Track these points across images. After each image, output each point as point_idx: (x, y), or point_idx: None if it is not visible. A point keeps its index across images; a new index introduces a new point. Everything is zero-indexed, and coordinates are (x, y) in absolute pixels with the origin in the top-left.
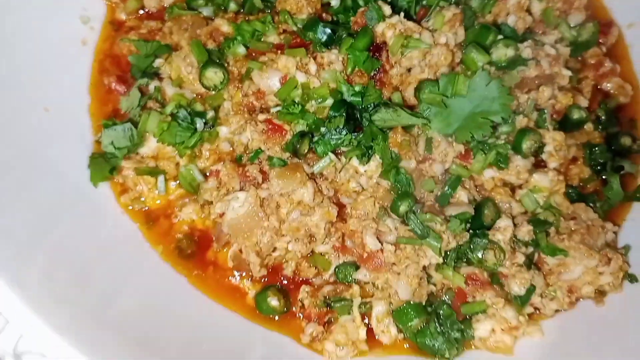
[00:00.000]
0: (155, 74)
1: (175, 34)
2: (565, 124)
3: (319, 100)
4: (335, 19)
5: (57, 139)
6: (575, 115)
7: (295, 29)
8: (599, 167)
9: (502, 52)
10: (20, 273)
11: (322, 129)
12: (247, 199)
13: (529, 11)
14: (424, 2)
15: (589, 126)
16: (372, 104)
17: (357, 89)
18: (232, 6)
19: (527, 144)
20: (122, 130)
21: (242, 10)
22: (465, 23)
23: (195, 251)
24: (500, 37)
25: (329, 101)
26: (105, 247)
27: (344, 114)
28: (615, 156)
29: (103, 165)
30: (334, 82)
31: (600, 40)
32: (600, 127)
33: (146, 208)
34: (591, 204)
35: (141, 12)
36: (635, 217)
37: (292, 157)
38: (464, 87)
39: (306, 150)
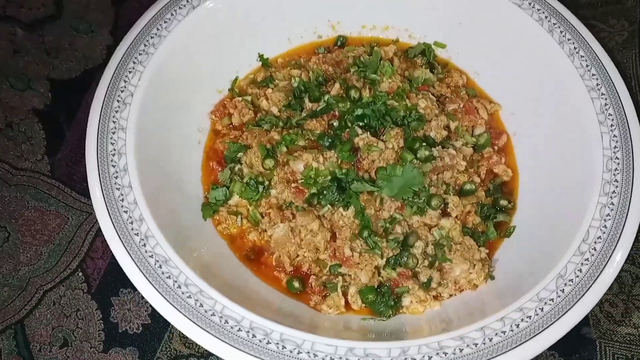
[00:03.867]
0: (239, 161)
1: (249, 139)
2: (462, 191)
3: (323, 178)
4: (335, 132)
5: (185, 196)
6: (468, 187)
7: (313, 138)
8: (485, 217)
9: (423, 153)
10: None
11: (325, 192)
12: (284, 228)
13: (447, 127)
14: (384, 124)
15: (480, 193)
16: (351, 179)
17: (344, 171)
18: (280, 123)
19: (434, 203)
20: (221, 191)
21: (285, 126)
22: (405, 135)
23: (256, 257)
24: (423, 144)
25: (329, 177)
26: (208, 253)
27: (336, 184)
28: (497, 211)
29: (209, 209)
30: (332, 167)
31: (494, 142)
32: (489, 194)
33: (231, 233)
34: (476, 239)
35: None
36: (503, 247)
37: (309, 206)
38: (400, 171)
39: (316, 203)
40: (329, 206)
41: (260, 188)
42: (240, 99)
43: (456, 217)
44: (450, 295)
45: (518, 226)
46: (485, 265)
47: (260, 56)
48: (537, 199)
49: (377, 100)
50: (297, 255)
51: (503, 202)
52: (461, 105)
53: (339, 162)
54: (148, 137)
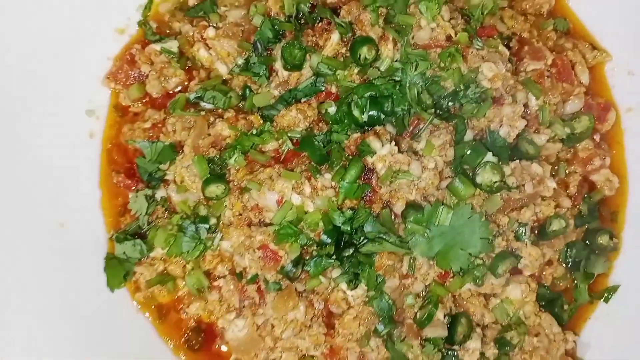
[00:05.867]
0: (161, 179)
1: (179, 134)
2: (544, 232)
3: (311, 226)
4: (331, 134)
5: (71, 236)
6: (555, 226)
7: (291, 146)
8: (573, 264)
9: (488, 177)
10: None
11: (314, 252)
12: (245, 326)
13: (525, 106)
14: (420, 112)
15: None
16: (361, 233)
17: (347, 215)
18: (232, 101)
19: (502, 269)
20: (131, 245)
21: (243, 110)
22: (456, 136)
23: (202, 345)
24: (488, 157)
25: (321, 225)
26: (122, 340)
27: (335, 238)
28: (590, 254)
29: (118, 268)
30: (327, 206)
31: (597, 126)
32: (580, 219)
33: (159, 303)
34: (558, 309)
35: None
36: (598, 317)
37: (286, 279)
38: (446, 218)
39: (299, 272)
40: (322, 279)
41: (202, 232)
42: (158, 47)
43: (531, 276)
44: None
45: (624, 283)
46: None
47: None
48: None
49: (408, 66)
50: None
51: (602, 240)
52: (548, 62)
53: (339, 198)
54: None
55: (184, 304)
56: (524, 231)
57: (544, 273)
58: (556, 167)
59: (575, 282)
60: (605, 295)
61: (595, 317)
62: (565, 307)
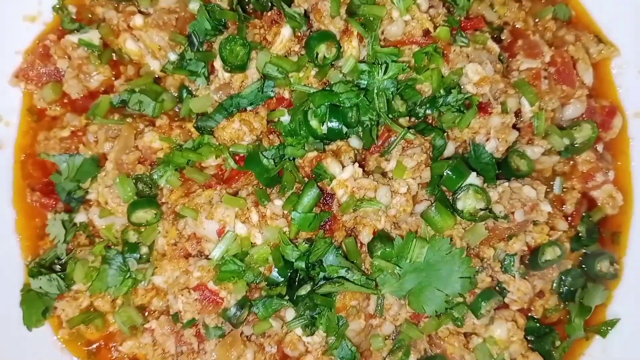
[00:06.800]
0: (82, 200)
1: (101, 145)
2: (535, 262)
3: (258, 262)
4: (283, 150)
5: None
6: (549, 256)
7: (234, 166)
8: (567, 293)
9: (470, 204)
10: None
11: (264, 293)
12: None
13: (517, 113)
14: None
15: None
16: (319, 273)
17: (302, 248)
18: (163, 105)
19: (486, 309)
20: (47, 281)
21: (177, 118)
22: (433, 154)
23: None
24: (472, 179)
25: (269, 259)
26: None
27: (287, 275)
28: (587, 282)
29: (36, 303)
30: (279, 238)
31: (600, 134)
32: (578, 242)
33: (88, 339)
34: (549, 346)
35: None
36: (593, 354)
37: (229, 324)
38: (420, 253)
39: (245, 315)
40: (272, 322)
41: (131, 263)
42: (75, 38)
43: (519, 310)
44: None
45: (624, 316)
46: None
47: None
48: None
49: (377, 68)
50: None
51: (601, 266)
52: (546, 60)
53: (291, 230)
54: None
55: (116, 342)
56: (511, 262)
57: (533, 305)
58: (551, 183)
59: (570, 315)
60: (603, 329)
61: (590, 355)
62: (557, 343)
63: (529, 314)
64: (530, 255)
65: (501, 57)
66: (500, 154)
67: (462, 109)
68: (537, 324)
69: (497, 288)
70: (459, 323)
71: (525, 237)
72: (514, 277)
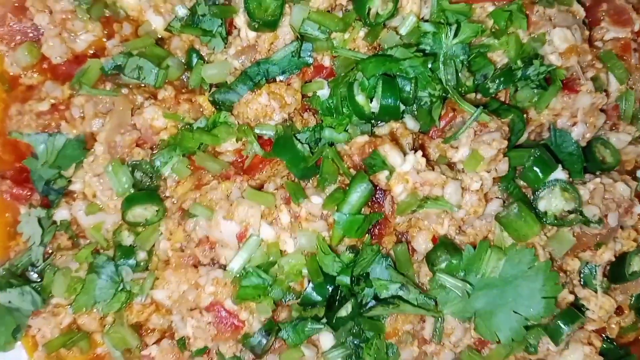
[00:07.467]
0: (63, 192)
1: (88, 123)
2: (618, 273)
3: (289, 275)
4: (319, 136)
5: None
6: (637, 266)
7: (259, 152)
8: None
9: (557, 205)
10: None
11: (293, 311)
12: None
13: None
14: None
15: None
16: (364, 289)
17: (346, 259)
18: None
19: (567, 333)
20: (19, 294)
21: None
22: (512, 134)
23: None
24: (557, 173)
25: (304, 272)
26: None
27: (327, 293)
28: None
29: (5, 320)
30: (316, 244)
31: None
32: None
33: None
34: None
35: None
36: None
37: (251, 353)
38: (497, 267)
39: (270, 346)
40: (305, 352)
41: (125, 272)
42: None
43: (595, 331)
44: None
45: None
46: None
47: None
48: None
49: (443, 29)
50: None
51: None
52: (635, 29)
53: (334, 235)
54: None
55: None
56: (593, 274)
57: (608, 323)
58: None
59: None
60: None
61: None
62: None
63: (603, 334)
64: (610, 265)
65: (584, 24)
66: (585, 142)
67: (543, 85)
68: (612, 345)
69: (572, 304)
70: (533, 350)
71: (615, 245)
72: (596, 292)
